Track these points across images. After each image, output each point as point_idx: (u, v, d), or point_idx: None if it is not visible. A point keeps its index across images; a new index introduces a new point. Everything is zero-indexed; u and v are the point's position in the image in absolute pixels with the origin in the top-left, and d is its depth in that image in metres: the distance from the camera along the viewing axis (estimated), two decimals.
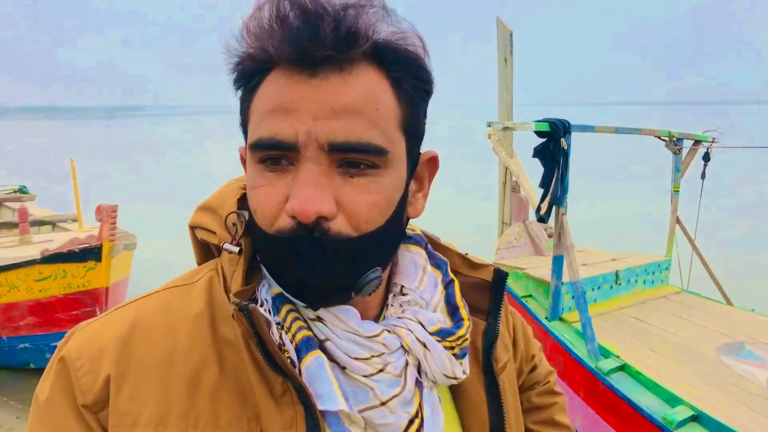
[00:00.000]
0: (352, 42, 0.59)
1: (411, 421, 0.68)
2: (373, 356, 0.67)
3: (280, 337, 0.66)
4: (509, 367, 0.89)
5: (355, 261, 0.63)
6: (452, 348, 0.73)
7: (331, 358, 0.66)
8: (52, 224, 7.94)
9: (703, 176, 4.19)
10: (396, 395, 0.67)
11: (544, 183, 3.29)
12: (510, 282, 3.95)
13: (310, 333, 0.66)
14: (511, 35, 4.51)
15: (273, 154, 0.61)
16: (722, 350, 3.22)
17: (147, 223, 9.09)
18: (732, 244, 9.76)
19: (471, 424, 0.79)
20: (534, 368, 1.09)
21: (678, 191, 4.34)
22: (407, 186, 0.69)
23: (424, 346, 0.70)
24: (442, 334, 0.72)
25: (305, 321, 0.68)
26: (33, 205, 8.78)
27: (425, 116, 0.71)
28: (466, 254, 0.88)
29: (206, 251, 0.81)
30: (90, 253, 5.29)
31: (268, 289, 0.70)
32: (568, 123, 3.25)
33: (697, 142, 4.21)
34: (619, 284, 4.05)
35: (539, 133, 3.25)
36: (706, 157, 4.15)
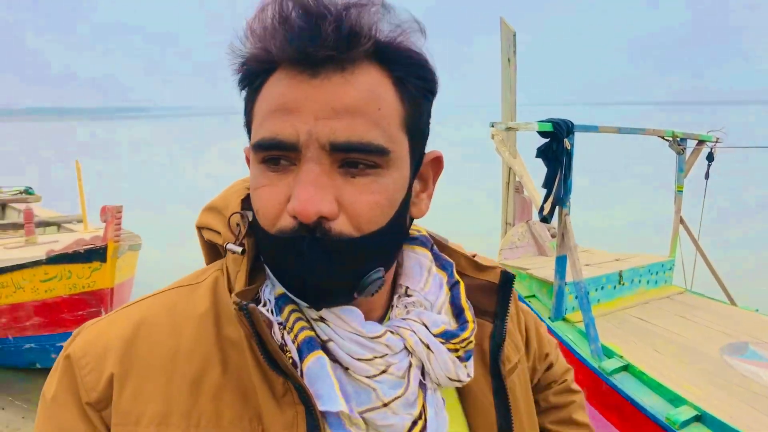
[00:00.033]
0: (353, 42, 0.59)
1: (414, 423, 0.68)
2: (375, 357, 0.66)
3: (282, 338, 0.66)
4: (520, 367, 0.88)
5: (356, 261, 0.63)
6: (456, 350, 0.72)
7: (334, 359, 0.66)
8: (58, 225, 7.97)
9: (706, 176, 4.18)
10: (398, 396, 0.67)
11: (547, 183, 3.29)
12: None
13: (312, 333, 0.66)
14: (515, 36, 4.51)
15: (275, 155, 0.62)
16: (726, 350, 3.22)
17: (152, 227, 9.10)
18: (736, 244, 9.73)
19: (478, 426, 0.78)
20: (550, 366, 1.08)
21: (681, 191, 4.33)
22: (410, 186, 0.69)
23: (428, 347, 0.70)
24: (446, 336, 0.72)
25: (308, 321, 0.68)
26: (38, 206, 8.81)
27: (429, 116, 0.71)
28: (474, 256, 0.87)
29: (214, 252, 0.82)
30: (95, 254, 5.30)
31: (271, 290, 0.70)
32: (572, 123, 3.25)
33: (700, 142, 4.21)
34: (623, 284, 4.04)
35: (542, 134, 3.25)
36: (710, 157, 4.14)
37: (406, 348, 0.69)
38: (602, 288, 3.92)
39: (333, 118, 0.59)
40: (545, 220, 3.37)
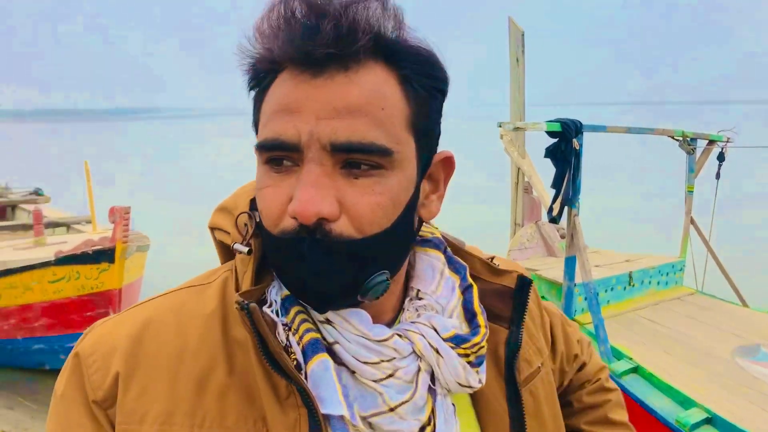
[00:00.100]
0: (351, 38, 0.58)
1: (422, 429, 0.67)
2: (382, 361, 0.65)
3: (287, 339, 0.66)
4: (544, 371, 0.86)
5: (358, 263, 0.62)
6: (467, 355, 0.70)
7: (340, 362, 0.66)
8: (67, 226, 8.03)
9: (717, 176, 4.15)
10: (405, 401, 0.66)
11: (556, 183, 3.28)
12: None
13: (317, 335, 0.66)
14: (523, 35, 4.50)
15: (277, 155, 0.61)
16: (737, 352, 3.19)
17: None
18: (748, 244, 9.67)
19: None
20: (582, 367, 1.05)
21: (692, 191, 4.30)
22: (418, 187, 0.68)
23: (437, 352, 0.68)
24: (456, 341, 0.70)
25: (314, 323, 0.67)
26: (48, 206, 8.88)
27: (439, 115, 0.69)
28: (492, 259, 0.85)
29: (228, 252, 0.81)
30: (103, 255, 5.34)
31: (278, 290, 0.69)
32: (580, 123, 3.23)
33: (711, 142, 4.18)
34: (633, 285, 4.02)
35: (551, 134, 3.24)
36: (721, 157, 4.12)
37: (414, 352, 0.68)
38: (612, 289, 3.90)
39: (335, 118, 0.58)
40: (554, 220, 3.36)
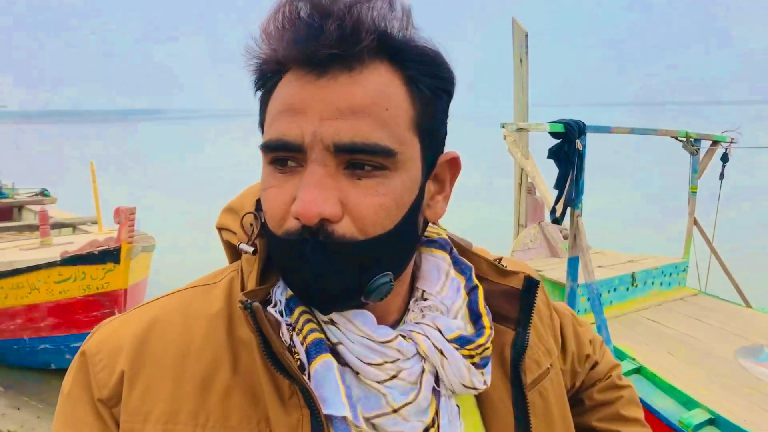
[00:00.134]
0: (355, 38, 0.58)
1: (426, 430, 0.66)
2: (386, 362, 0.65)
3: (291, 339, 0.66)
4: (553, 372, 0.85)
5: (361, 265, 0.61)
6: (472, 357, 0.70)
7: (344, 363, 0.66)
8: (73, 226, 8.06)
9: (721, 177, 4.14)
10: (409, 402, 0.65)
11: (559, 184, 3.27)
12: None
13: (321, 336, 0.66)
14: (527, 36, 4.50)
15: (281, 155, 0.61)
16: (740, 353, 3.18)
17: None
18: (751, 245, 9.63)
19: None
20: (594, 366, 1.05)
21: (695, 192, 4.30)
22: (422, 188, 0.67)
23: (441, 353, 0.68)
24: (460, 342, 0.70)
25: (318, 324, 0.67)
26: (54, 207, 8.91)
27: (445, 116, 0.69)
28: (500, 260, 0.85)
29: (235, 252, 0.80)
30: (109, 255, 5.35)
31: (283, 290, 0.69)
32: (583, 124, 3.23)
33: (715, 143, 4.17)
34: (636, 286, 4.02)
35: (554, 134, 3.24)
36: (725, 158, 4.11)
37: (418, 353, 0.68)
38: (615, 290, 3.89)
39: (338, 118, 0.58)
40: (557, 221, 3.35)
